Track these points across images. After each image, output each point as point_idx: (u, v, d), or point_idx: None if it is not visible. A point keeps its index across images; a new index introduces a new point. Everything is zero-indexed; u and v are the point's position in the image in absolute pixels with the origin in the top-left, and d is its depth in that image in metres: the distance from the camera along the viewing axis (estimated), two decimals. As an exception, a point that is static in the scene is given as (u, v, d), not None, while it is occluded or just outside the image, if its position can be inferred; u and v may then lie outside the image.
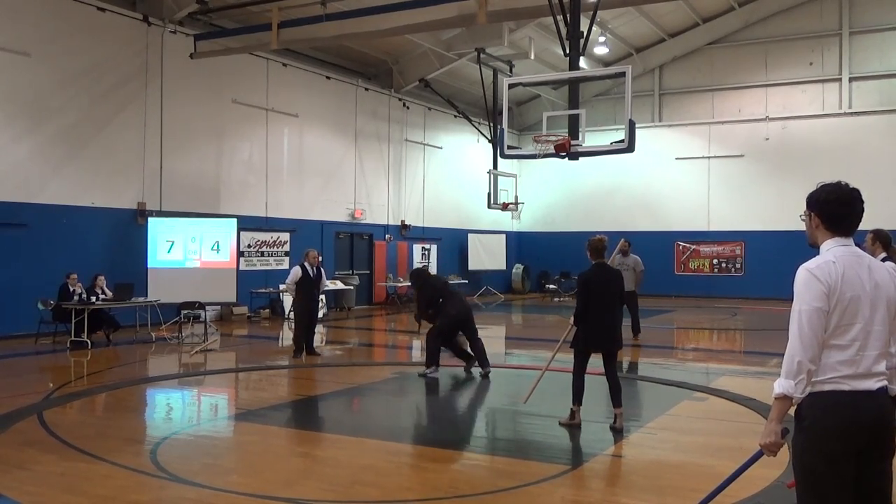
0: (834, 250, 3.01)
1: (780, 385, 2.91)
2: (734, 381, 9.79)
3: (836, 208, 3.04)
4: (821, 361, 2.92)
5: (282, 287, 12.24)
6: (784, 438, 2.96)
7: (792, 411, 3.01)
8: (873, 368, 2.92)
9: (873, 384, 2.91)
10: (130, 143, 15.58)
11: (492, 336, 16.89)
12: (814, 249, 3.13)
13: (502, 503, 5.10)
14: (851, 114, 24.13)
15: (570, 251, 27.17)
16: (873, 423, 2.90)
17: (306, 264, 12.01)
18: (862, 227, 3.26)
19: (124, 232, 15.42)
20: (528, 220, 28.23)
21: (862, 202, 3.07)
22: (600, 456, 6.17)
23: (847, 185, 3.08)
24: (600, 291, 7.17)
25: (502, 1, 13.79)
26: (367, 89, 22.06)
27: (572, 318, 7.32)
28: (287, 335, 15.83)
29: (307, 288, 11.97)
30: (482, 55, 21.26)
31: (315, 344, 12.30)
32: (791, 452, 3.03)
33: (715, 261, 26.07)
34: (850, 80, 24.29)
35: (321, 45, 19.26)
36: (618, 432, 6.99)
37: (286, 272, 18.83)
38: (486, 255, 26.20)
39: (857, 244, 3.12)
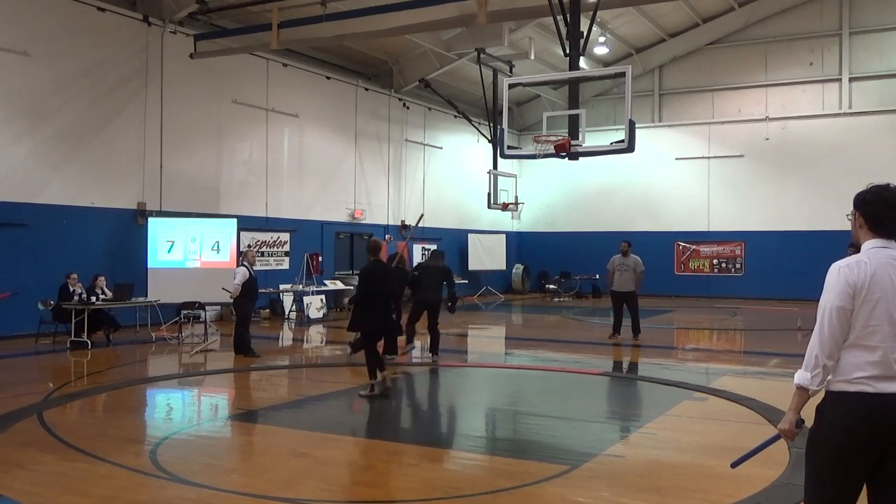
0: (869, 251, 3.05)
1: (799, 376, 3.01)
2: (734, 381, 9.79)
3: (878, 210, 3.06)
4: (847, 360, 2.97)
5: (232, 288, 11.80)
6: (799, 428, 3.05)
7: (814, 406, 3.08)
8: None
9: None
10: (130, 143, 15.58)
11: (492, 336, 16.90)
12: (852, 248, 3.24)
13: (502, 503, 5.10)
14: (851, 114, 24.12)
15: (571, 251, 27.36)
16: (894, 425, 2.92)
17: (246, 263, 11.98)
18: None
19: (124, 232, 15.42)
20: (528, 220, 28.24)
21: None
22: (600, 456, 6.17)
23: (895, 187, 3.09)
24: (373, 283, 8.60)
25: (502, 1, 13.78)
26: (367, 89, 22.06)
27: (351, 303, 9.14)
28: (287, 335, 15.85)
29: (254, 288, 12.00)
30: (482, 55, 21.26)
31: (316, 344, 12.31)
32: (806, 441, 3.10)
33: (715, 261, 26.06)
34: (850, 80, 24.28)
35: (321, 45, 19.25)
36: (384, 391, 8.58)
37: (286, 272, 18.96)
38: (486, 255, 26.20)
39: None
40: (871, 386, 2.93)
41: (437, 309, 11.32)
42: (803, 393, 3.02)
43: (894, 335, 2.94)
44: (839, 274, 2.99)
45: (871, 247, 3.05)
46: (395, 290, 9.61)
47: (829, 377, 3.03)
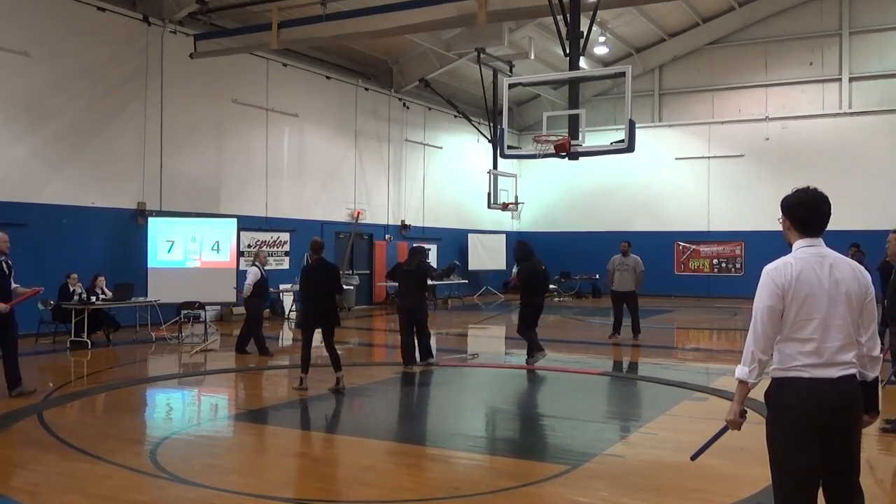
0: (798, 251, 3.35)
1: (738, 371, 3.36)
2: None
3: (801, 211, 3.38)
4: (784, 352, 3.27)
5: (245, 289, 12.09)
6: (743, 418, 3.40)
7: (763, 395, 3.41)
8: (836, 358, 3.22)
9: (835, 372, 3.21)
10: (130, 143, 15.58)
11: (492, 336, 16.91)
12: (789, 249, 3.44)
13: (502, 503, 5.11)
14: (851, 114, 24.12)
15: (571, 251, 27.31)
16: (832, 406, 3.21)
17: (258, 264, 12.16)
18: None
19: (124, 232, 15.42)
20: (528, 220, 28.23)
21: (828, 205, 3.38)
22: (600, 456, 6.17)
23: (814, 189, 3.42)
24: (315, 281, 8.99)
25: (502, 1, 13.79)
26: (367, 89, 22.06)
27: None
28: (287, 335, 15.85)
29: (264, 288, 12.21)
30: (482, 55, 21.25)
31: (316, 344, 12.31)
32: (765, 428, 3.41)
33: (715, 261, 26.07)
34: (850, 80, 24.28)
35: (321, 45, 19.26)
36: (340, 392, 8.80)
37: (286, 272, 18.95)
38: (486, 255, 26.20)
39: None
40: (806, 371, 3.22)
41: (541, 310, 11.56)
42: (744, 386, 3.34)
43: (826, 327, 3.22)
44: (768, 276, 3.29)
45: (799, 247, 3.35)
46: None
47: (769, 369, 3.35)
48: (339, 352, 9.31)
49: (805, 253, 3.32)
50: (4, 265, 8.39)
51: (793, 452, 3.24)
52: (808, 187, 3.41)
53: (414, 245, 12.11)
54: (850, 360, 3.24)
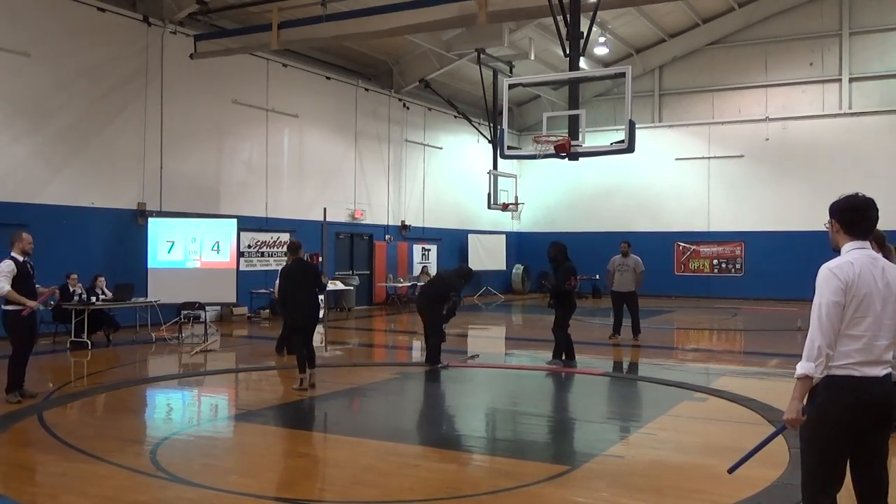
0: (852, 253, 3.46)
1: (802, 367, 3.35)
2: (734, 381, 9.79)
3: (851, 215, 3.50)
4: (837, 349, 3.36)
5: (275, 290, 12.38)
6: (804, 415, 3.40)
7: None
8: (882, 357, 3.38)
9: (880, 371, 3.37)
10: (130, 143, 15.59)
11: (492, 336, 16.91)
12: (834, 252, 3.55)
13: (502, 503, 5.11)
14: (851, 114, 24.13)
15: (570, 251, 27.17)
16: (877, 404, 3.38)
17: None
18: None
19: (124, 232, 15.42)
20: (528, 221, 28.24)
21: (876, 209, 3.51)
22: (600, 456, 6.17)
23: (863, 195, 3.55)
24: (297, 280, 9.16)
25: (502, 1, 13.78)
26: (367, 89, 22.07)
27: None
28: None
29: None
30: (482, 55, 21.26)
31: (315, 344, 12.31)
32: (802, 424, 3.46)
33: (715, 261, 26.07)
34: (850, 80, 24.29)
35: (321, 46, 19.26)
36: (312, 386, 8.99)
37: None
38: (486, 256, 26.20)
39: None
40: (857, 370, 3.35)
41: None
42: (807, 382, 3.35)
43: (878, 325, 3.37)
44: (832, 273, 3.39)
45: (852, 248, 3.47)
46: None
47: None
48: (337, 351, 9.31)
49: (859, 254, 3.45)
50: (29, 266, 8.37)
51: (836, 449, 3.37)
52: (857, 193, 3.55)
53: (467, 265, 12.82)
54: (891, 360, 3.40)
